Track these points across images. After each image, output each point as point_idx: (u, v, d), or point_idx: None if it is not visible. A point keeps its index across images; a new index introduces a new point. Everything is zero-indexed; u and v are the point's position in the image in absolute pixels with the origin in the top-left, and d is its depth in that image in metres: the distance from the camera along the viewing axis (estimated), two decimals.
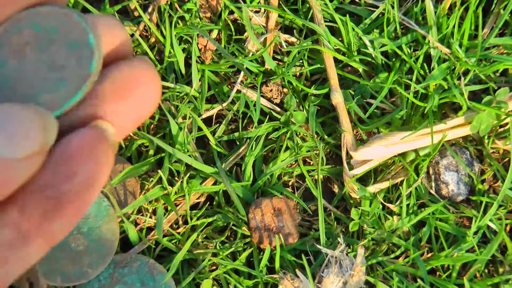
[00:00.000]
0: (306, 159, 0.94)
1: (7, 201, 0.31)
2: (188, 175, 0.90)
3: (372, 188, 0.90)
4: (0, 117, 0.29)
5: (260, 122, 0.92)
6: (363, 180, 0.93)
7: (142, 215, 0.91)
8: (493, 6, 0.94)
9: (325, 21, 0.93)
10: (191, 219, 0.90)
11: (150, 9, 0.95)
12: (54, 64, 0.32)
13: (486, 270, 0.92)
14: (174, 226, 0.92)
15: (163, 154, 0.90)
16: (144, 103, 0.34)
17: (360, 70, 0.93)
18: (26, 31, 0.31)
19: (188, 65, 0.95)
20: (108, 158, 0.32)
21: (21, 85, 0.32)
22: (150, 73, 0.34)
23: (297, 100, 0.92)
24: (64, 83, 0.32)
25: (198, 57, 0.94)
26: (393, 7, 0.91)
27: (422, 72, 0.91)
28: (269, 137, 0.92)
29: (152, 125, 0.93)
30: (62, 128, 0.32)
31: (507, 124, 0.91)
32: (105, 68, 0.33)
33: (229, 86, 0.94)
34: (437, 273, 0.91)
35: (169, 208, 0.90)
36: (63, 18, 0.32)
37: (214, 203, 0.92)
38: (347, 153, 0.90)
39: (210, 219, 0.90)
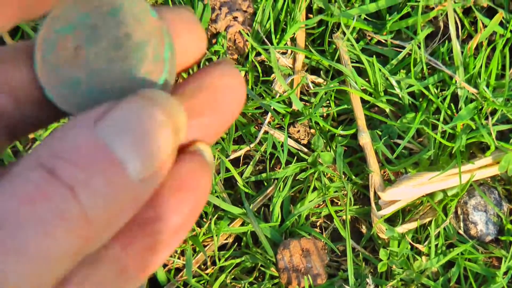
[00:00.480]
0: (334, 199, 0.95)
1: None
2: (216, 216, 0.91)
3: (401, 229, 0.90)
4: (124, 121, 0.27)
5: (288, 162, 0.93)
6: (391, 220, 0.93)
7: (171, 256, 0.93)
8: None
9: (351, 62, 0.94)
10: (219, 260, 0.91)
11: None
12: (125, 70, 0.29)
13: None
14: (202, 266, 0.93)
15: None
16: (230, 114, 0.32)
17: (387, 110, 0.94)
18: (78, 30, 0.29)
19: None
20: (210, 185, 0.31)
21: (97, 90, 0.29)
22: (238, 80, 0.32)
23: (324, 141, 0.93)
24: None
25: None
26: (419, 48, 0.92)
27: (449, 112, 0.92)
28: (297, 178, 0.93)
29: None
30: None
31: None
32: (193, 76, 0.32)
33: (257, 127, 0.96)
34: None
35: (197, 249, 0.91)
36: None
37: (242, 243, 0.93)
38: (375, 193, 0.91)
39: (238, 260, 0.91)
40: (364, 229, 0.94)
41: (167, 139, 0.27)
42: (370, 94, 0.94)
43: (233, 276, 0.91)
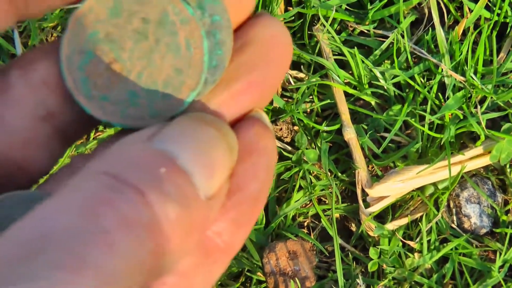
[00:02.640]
0: (321, 198, 0.94)
1: None
2: None
3: (391, 225, 0.89)
4: (203, 144, 0.26)
5: None
6: (381, 217, 0.92)
7: None
8: (509, 30, 0.94)
9: (334, 55, 0.93)
10: None
11: None
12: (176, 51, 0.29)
13: None
14: None
15: None
16: (282, 66, 0.31)
17: (373, 103, 0.93)
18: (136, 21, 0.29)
19: None
20: (276, 148, 0.31)
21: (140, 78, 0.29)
22: (283, 30, 0.31)
23: (309, 138, 0.92)
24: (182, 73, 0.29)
25: None
26: (403, 37, 0.91)
27: (437, 102, 0.91)
28: (281, 177, 0.92)
29: None
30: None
31: None
32: (236, 32, 0.31)
33: None
34: None
35: None
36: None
37: None
38: (363, 190, 0.90)
39: None
40: (353, 227, 0.93)
41: (225, 156, 0.27)
42: (355, 87, 0.93)
43: (219, 282, 0.91)
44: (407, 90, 0.93)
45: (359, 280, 0.87)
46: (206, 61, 0.29)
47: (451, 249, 0.89)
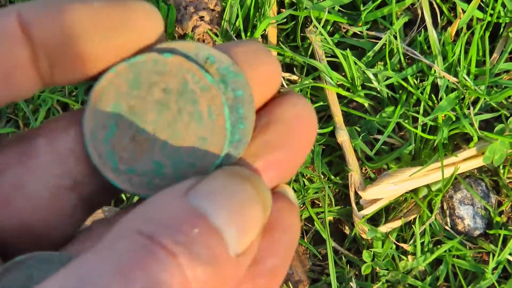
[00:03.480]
0: (315, 201, 0.94)
1: None
2: None
3: (384, 228, 0.90)
4: (236, 201, 0.26)
5: None
6: (375, 219, 0.92)
7: None
8: (501, 30, 0.94)
9: (327, 56, 0.93)
10: None
11: None
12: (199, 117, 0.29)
13: None
14: None
15: None
16: (305, 146, 0.31)
17: (366, 105, 0.93)
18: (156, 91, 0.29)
19: None
20: (299, 223, 0.31)
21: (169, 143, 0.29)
22: (309, 110, 0.31)
23: None
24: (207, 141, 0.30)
25: None
26: (396, 38, 0.91)
27: (430, 103, 0.91)
28: None
29: None
30: None
31: None
32: (263, 109, 0.31)
33: None
34: None
35: None
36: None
37: None
38: (356, 192, 0.90)
39: None
40: (347, 230, 0.94)
41: (259, 214, 0.27)
42: (348, 89, 0.93)
43: None
44: (400, 92, 0.93)
45: (353, 283, 0.88)
46: (228, 128, 0.29)
47: (445, 251, 0.89)
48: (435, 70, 0.91)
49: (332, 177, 0.92)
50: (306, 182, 0.92)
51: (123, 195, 0.93)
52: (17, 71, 0.27)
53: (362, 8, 0.94)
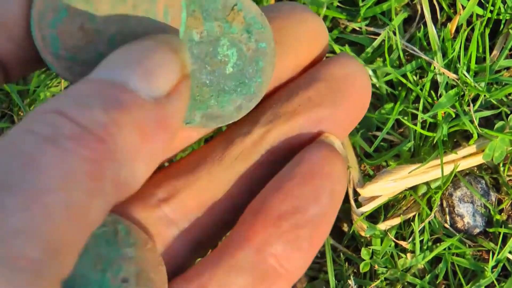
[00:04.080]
0: None
1: (238, 239, 0.28)
2: None
3: (383, 225, 0.89)
4: (136, 53, 0.26)
5: None
6: (374, 216, 0.92)
7: None
8: (502, 27, 0.93)
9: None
10: None
11: None
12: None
13: None
14: None
15: None
16: (356, 105, 0.31)
17: None
18: None
19: None
20: (346, 174, 0.30)
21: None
22: (358, 69, 0.31)
23: None
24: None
25: None
26: (395, 34, 0.91)
27: (429, 100, 0.91)
28: None
29: None
30: (280, 142, 0.30)
31: None
32: (314, 68, 0.31)
33: None
34: None
35: None
36: None
37: None
38: (354, 190, 0.89)
39: None
40: (345, 228, 0.93)
41: (165, 56, 0.26)
42: None
43: None
44: (399, 88, 0.93)
45: (351, 281, 0.87)
46: (181, 32, 0.29)
47: (444, 249, 0.89)
48: (434, 67, 0.90)
49: None
50: None
51: None
52: None
53: (361, 4, 0.93)
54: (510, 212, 0.93)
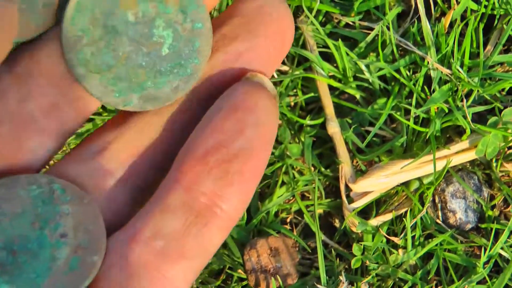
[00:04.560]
0: (305, 193, 0.94)
1: (169, 181, 0.29)
2: None
3: (375, 221, 0.89)
4: None
5: None
6: (365, 212, 0.92)
7: None
8: (496, 22, 0.93)
9: (318, 47, 0.93)
10: None
11: None
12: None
13: None
14: None
15: None
16: (279, 37, 0.31)
17: (357, 96, 0.92)
18: None
19: None
20: (275, 109, 0.30)
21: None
22: (278, 2, 0.31)
23: (292, 132, 0.92)
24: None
25: None
26: (389, 29, 0.90)
27: (423, 95, 0.90)
28: (264, 173, 0.92)
29: None
30: (206, 86, 0.31)
31: None
32: (228, 6, 0.31)
33: None
34: None
35: None
36: None
37: None
38: (346, 185, 0.89)
39: None
40: (337, 223, 0.93)
41: None
42: (339, 80, 0.92)
43: (200, 280, 0.91)
44: (392, 83, 0.93)
45: (342, 277, 0.87)
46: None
47: (436, 245, 0.89)
48: (428, 62, 0.90)
49: (323, 169, 0.91)
50: (296, 175, 0.92)
51: None
52: None
53: None
54: (502, 208, 0.93)
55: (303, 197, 0.94)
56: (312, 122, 0.92)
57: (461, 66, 0.90)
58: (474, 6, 0.92)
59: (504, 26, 0.93)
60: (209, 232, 0.28)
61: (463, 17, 0.93)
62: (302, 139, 0.92)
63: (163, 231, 0.28)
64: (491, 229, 0.90)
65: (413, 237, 0.89)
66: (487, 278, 0.87)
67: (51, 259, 0.29)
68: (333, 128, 0.90)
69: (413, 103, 0.89)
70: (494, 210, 0.92)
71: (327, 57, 0.94)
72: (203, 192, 0.28)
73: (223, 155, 0.28)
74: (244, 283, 0.90)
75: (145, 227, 0.29)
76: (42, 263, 0.29)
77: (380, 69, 0.91)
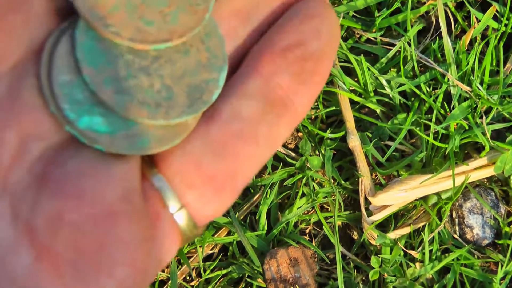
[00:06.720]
0: (324, 205, 0.95)
1: (247, 70, 0.30)
2: None
3: (393, 234, 0.90)
4: None
5: (275, 168, 0.94)
6: (384, 225, 0.93)
7: None
8: None
9: (340, 61, 0.95)
10: (205, 271, 0.92)
11: None
12: None
13: None
14: (188, 278, 0.93)
15: None
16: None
17: (378, 111, 0.94)
18: None
19: None
20: (339, 27, 0.32)
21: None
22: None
23: (313, 144, 0.94)
24: None
25: None
26: (410, 45, 0.92)
27: (442, 111, 0.92)
28: (284, 184, 0.94)
29: None
30: None
31: None
32: None
33: None
34: None
35: (182, 260, 0.92)
36: None
37: (229, 253, 0.93)
38: (366, 198, 0.91)
39: (224, 271, 0.91)
40: (355, 236, 0.94)
41: None
42: (360, 95, 0.94)
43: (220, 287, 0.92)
44: (412, 99, 0.94)
45: None
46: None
47: (453, 260, 0.90)
48: (448, 79, 0.92)
49: (342, 182, 0.93)
50: (316, 186, 0.93)
51: None
52: None
53: (376, 14, 0.95)
54: None
55: (322, 208, 0.96)
56: (333, 135, 0.93)
57: (481, 83, 0.92)
58: (494, 24, 0.94)
59: None
60: (281, 123, 0.30)
61: (483, 35, 0.95)
62: (323, 151, 0.93)
63: (241, 115, 0.29)
64: (508, 245, 0.92)
65: (430, 251, 0.91)
66: None
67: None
68: (354, 141, 0.92)
69: (433, 119, 0.91)
70: (511, 226, 0.93)
71: (349, 71, 0.96)
72: (279, 84, 0.29)
73: (302, 52, 0.30)
74: None
75: (224, 106, 0.30)
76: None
77: (401, 84, 0.93)
